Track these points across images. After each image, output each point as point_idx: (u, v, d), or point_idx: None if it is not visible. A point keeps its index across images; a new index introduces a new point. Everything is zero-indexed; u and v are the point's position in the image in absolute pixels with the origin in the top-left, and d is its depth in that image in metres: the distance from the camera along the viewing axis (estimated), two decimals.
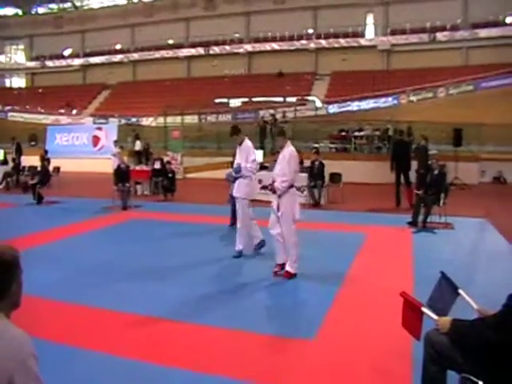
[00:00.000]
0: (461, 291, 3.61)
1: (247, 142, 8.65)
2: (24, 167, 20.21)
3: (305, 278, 7.25)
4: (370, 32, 42.31)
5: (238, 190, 8.55)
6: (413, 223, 11.03)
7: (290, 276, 7.20)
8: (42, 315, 5.60)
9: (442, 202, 11.02)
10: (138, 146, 23.93)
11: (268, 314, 5.79)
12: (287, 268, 7.25)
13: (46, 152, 16.88)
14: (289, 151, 7.26)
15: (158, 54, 48.41)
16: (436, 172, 11.58)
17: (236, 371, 4.38)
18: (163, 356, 4.70)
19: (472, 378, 3.01)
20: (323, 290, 6.62)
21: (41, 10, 56.02)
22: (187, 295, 6.52)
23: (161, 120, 31.43)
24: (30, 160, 20.18)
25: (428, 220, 10.96)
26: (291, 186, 7.20)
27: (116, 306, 6.06)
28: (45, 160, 16.07)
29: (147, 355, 4.69)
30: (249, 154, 8.52)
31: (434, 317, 3.32)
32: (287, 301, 6.25)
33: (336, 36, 42.53)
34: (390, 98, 34.84)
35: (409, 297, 3.61)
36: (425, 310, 3.41)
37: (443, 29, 38.96)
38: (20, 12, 55.84)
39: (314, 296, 6.42)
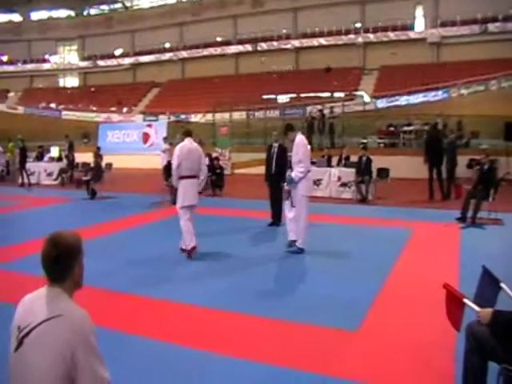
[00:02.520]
0: (503, 285, 3.64)
1: (297, 138, 8.56)
2: (78, 164, 20.89)
3: (351, 271, 7.35)
4: (419, 24, 41.60)
5: (299, 187, 8.47)
6: (462, 219, 10.91)
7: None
8: (91, 302, 5.87)
9: (491, 197, 10.88)
10: None
11: (313, 306, 5.88)
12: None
13: (98, 149, 17.35)
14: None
15: (206, 52, 48.97)
16: (486, 167, 11.42)
17: (282, 360, 4.52)
18: (211, 343, 4.90)
19: None
20: (369, 283, 6.68)
21: (92, 12, 57.67)
22: (236, 287, 6.72)
23: (209, 117, 31.82)
24: (83, 157, 20.93)
25: (477, 216, 10.83)
26: (182, 178, 8.22)
27: (168, 296, 6.31)
28: (98, 156, 16.54)
29: (200, 343, 4.91)
30: (297, 153, 8.46)
31: (476, 308, 3.37)
32: (333, 293, 6.33)
33: (384, 29, 42.06)
34: (439, 92, 34.25)
35: (451, 288, 3.65)
36: (466, 301, 3.45)
37: (495, 20, 37.97)
38: (72, 13, 57.54)
39: (359, 288, 6.49)
